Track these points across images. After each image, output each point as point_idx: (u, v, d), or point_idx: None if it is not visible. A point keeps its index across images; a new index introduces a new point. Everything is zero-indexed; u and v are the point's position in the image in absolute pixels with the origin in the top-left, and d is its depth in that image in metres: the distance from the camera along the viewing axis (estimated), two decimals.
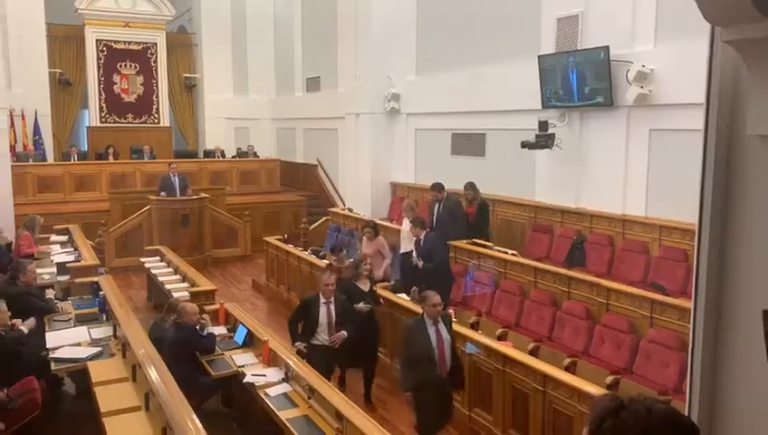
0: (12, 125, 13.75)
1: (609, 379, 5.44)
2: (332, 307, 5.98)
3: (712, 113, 1.70)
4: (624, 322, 6.03)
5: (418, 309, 5.63)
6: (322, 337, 5.93)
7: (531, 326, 6.93)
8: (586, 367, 5.73)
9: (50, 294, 7.36)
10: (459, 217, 8.83)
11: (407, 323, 5.71)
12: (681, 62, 6.73)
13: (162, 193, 12.17)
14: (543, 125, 8.30)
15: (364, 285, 6.63)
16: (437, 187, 9.00)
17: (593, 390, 4.57)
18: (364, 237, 8.54)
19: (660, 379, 5.38)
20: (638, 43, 7.42)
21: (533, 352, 5.96)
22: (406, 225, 8.44)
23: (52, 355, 5.53)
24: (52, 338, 5.91)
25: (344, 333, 5.95)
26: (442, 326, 5.15)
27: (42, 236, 10.27)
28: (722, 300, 1.78)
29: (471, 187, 9.02)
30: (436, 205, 8.98)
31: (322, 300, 5.97)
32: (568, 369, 5.57)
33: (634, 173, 7.64)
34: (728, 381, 1.75)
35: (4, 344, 5.38)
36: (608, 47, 7.43)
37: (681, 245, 6.91)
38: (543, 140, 8.29)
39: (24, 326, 5.83)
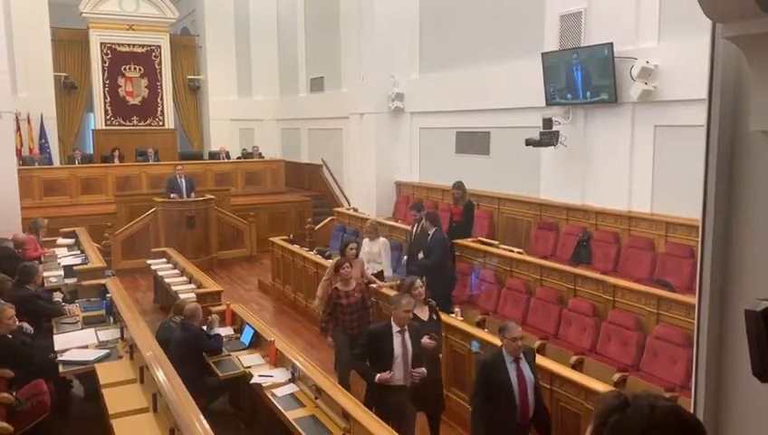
0: (18, 129, 13.81)
1: (617, 376, 5.43)
2: (408, 337, 4.95)
3: (714, 110, 1.70)
4: (630, 319, 6.01)
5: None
6: (398, 375, 4.86)
7: (537, 324, 6.92)
8: (593, 365, 5.72)
9: (57, 296, 7.39)
10: (436, 250, 7.78)
11: (482, 358, 4.89)
12: (685, 57, 6.70)
13: (172, 195, 12.22)
14: (548, 123, 8.29)
15: (422, 313, 5.51)
16: (416, 206, 8.92)
17: (600, 387, 4.56)
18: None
19: (667, 376, 5.37)
20: (641, 39, 7.40)
21: (540, 350, 5.95)
22: (366, 245, 8.13)
23: (60, 358, 5.56)
24: (59, 341, 5.94)
25: (424, 369, 4.94)
26: (524, 364, 4.43)
27: (48, 239, 10.33)
28: (726, 296, 1.78)
29: (459, 186, 8.89)
30: (415, 225, 8.39)
31: (395, 329, 4.94)
32: (575, 367, 5.56)
33: (639, 170, 7.62)
34: (734, 377, 1.75)
35: (13, 348, 5.42)
36: (611, 44, 7.42)
37: (687, 241, 6.89)
38: (548, 137, 8.28)
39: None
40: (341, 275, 6.26)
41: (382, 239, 8.32)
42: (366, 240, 8.26)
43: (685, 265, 6.75)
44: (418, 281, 5.58)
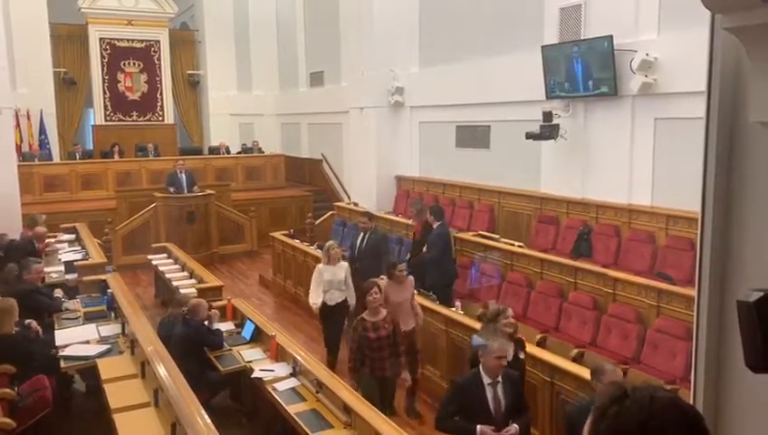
0: (17, 125, 13.80)
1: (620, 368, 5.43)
2: (501, 389, 4.13)
3: (713, 101, 1.69)
4: (631, 312, 6.02)
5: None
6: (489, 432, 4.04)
7: (538, 318, 6.94)
8: (594, 358, 5.73)
9: (58, 293, 7.39)
10: (382, 254, 7.95)
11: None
12: (685, 50, 6.68)
13: (171, 189, 12.22)
14: (548, 116, 8.28)
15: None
16: (366, 214, 8.64)
17: None
18: (388, 280, 6.13)
19: (668, 368, 5.38)
20: (641, 31, 7.38)
21: (541, 344, 5.96)
22: (326, 272, 6.86)
23: (61, 353, 5.58)
24: (61, 336, 5.95)
25: (516, 427, 4.10)
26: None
27: (49, 234, 10.33)
28: (726, 288, 1.78)
29: (416, 203, 8.68)
30: (361, 235, 8.18)
31: (487, 380, 4.12)
32: (575, 360, 5.56)
33: (639, 162, 7.61)
34: (732, 369, 1.75)
35: (15, 343, 5.43)
36: (611, 36, 7.40)
37: (688, 234, 6.88)
38: (548, 130, 8.27)
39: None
40: (369, 303, 5.38)
41: (344, 263, 7.08)
42: (324, 266, 6.91)
43: (685, 258, 6.75)
44: (509, 310, 4.85)
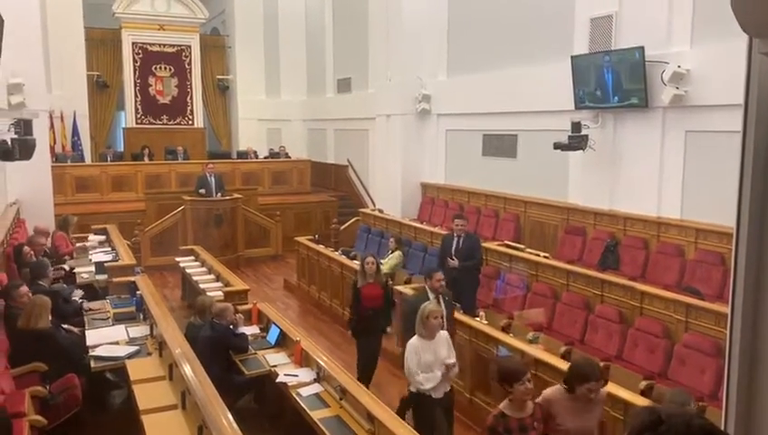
0: (51, 127, 14.10)
1: (643, 384, 5.37)
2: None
3: (750, 121, 1.69)
4: (658, 326, 5.95)
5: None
6: None
7: (563, 329, 6.89)
8: (619, 371, 5.67)
9: (77, 294, 7.47)
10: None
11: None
12: (718, 62, 6.61)
13: (201, 190, 12.40)
14: (576, 126, 8.24)
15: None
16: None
17: (626, 395, 4.53)
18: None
19: (696, 385, 5.30)
20: (673, 43, 7.31)
21: (565, 356, 5.91)
22: (419, 348, 4.83)
23: (91, 353, 5.69)
24: (91, 336, 6.07)
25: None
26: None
27: (80, 235, 10.54)
28: (760, 306, 1.77)
29: (366, 259, 6.54)
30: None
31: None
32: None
33: (669, 175, 7.53)
34: (766, 389, 1.73)
35: (52, 337, 5.57)
36: (643, 47, 7.34)
37: (718, 248, 6.80)
38: (576, 141, 8.22)
39: None
40: (513, 394, 3.79)
41: (444, 334, 5.05)
42: (420, 341, 4.85)
43: (715, 273, 6.67)
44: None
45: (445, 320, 5.10)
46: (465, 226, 7.65)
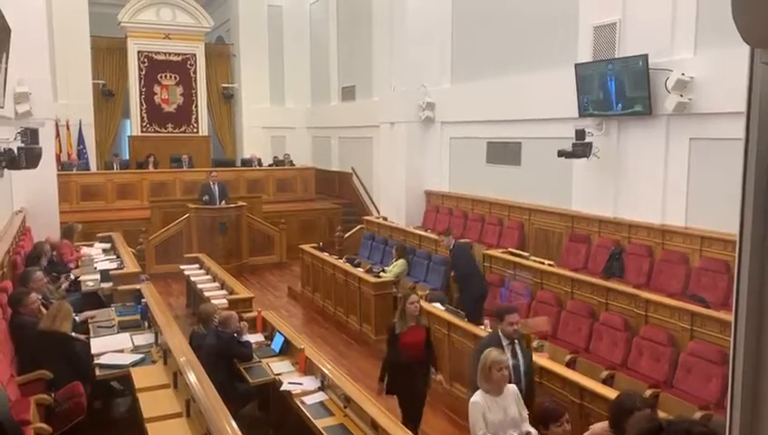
0: (57, 135, 14.17)
1: (648, 392, 5.35)
2: None
3: (752, 130, 1.69)
4: (663, 334, 5.93)
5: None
6: None
7: (568, 338, 6.87)
8: (624, 380, 5.65)
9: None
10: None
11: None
12: (722, 70, 6.62)
13: (205, 198, 12.43)
14: (580, 134, 8.25)
15: None
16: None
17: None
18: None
19: (701, 393, 5.28)
20: (677, 51, 7.33)
21: (570, 364, 5.90)
22: (483, 407, 4.07)
23: (96, 361, 5.70)
24: (96, 344, 6.08)
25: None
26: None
27: (86, 243, 10.57)
28: (764, 313, 1.76)
29: (414, 297, 5.64)
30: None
31: None
32: (605, 382, 5.50)
33: (673, 182, 7.53)
34: None
35: (69, 343, 5.61)
36: (646, 55, 7.35)
37: (722, 256, 6.78)
38: (580, 148, 8.23)
39: None
40: None
41: (513, 387, 4.26)
42: (485, 397, 4.09)
43: (720, 281, 6.65)
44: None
45: (512, 371, 4.27)
46: (450, 241, 8.50)
